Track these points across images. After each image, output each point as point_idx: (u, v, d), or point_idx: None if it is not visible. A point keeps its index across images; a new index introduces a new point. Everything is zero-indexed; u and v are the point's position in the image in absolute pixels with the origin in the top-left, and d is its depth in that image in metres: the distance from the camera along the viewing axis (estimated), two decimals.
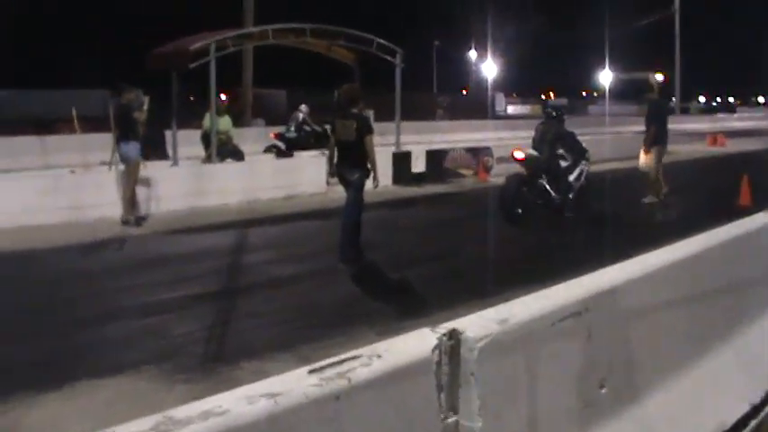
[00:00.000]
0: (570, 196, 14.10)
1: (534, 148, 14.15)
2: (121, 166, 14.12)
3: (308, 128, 24.18)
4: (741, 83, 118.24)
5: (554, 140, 14.15)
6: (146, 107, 14.14)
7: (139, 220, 13.88)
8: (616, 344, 4.14)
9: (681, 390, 4.56)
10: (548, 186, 13.84)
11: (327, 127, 23.23)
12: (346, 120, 10.68)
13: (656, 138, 16.08)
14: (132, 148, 13.71)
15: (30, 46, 51.40)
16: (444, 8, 79.36)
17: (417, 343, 3.11)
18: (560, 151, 14.17)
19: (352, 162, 10.62)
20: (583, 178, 14.42)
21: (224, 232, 13.28)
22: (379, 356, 2.93)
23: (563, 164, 14.15)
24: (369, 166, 10.64)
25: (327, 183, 17.29)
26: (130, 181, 13.81)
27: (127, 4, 55.45)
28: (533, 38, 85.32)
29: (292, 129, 24.22)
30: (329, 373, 2.75)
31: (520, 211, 13.47)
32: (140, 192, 14.19)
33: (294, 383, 2.66)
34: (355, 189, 10.67)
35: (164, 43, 17.66)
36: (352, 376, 2.75)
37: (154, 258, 11.37)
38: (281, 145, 22.94)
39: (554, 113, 15.00)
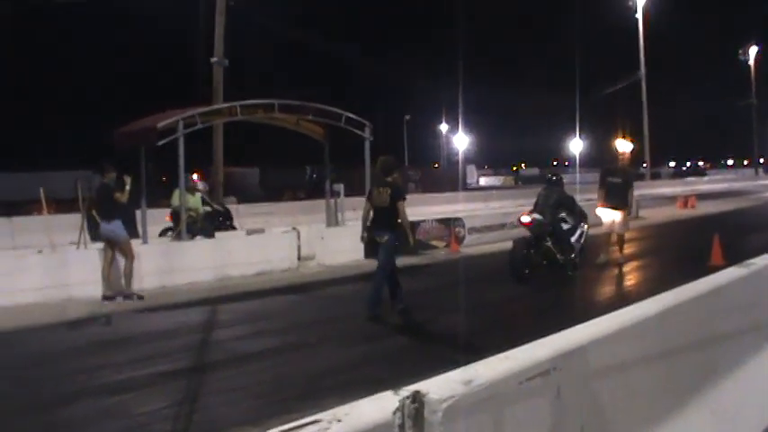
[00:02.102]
0: (572, 256, 14.95)
1: (537, 211, 14.96)
2: (95, 245, 14.18)
3: (207, 207, 20.98)
4: (710, 146, 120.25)
5: (556, 204, 15.02)
6: (128, 187, 14.19)
7: (140, 293, 14.02)
8: (587, 402, 4.05)
9: None
10: (552, 248, 14.66)
11: (230, 206, 22.77)
12: (381, 187, 11.78)
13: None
14: (116, 227, 13.85)
15: None
16: (415, 82, 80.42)
17: (379, 406, 3.00)
18: (562, 214, 15.02)
19: (384, 225, 11.66)
20: (583, 239, 15.34)
21: (195, 309, 13.11)
22: (339, 420, 2.83)
23: (565, 226, 14.97)
24: (402, 228, 11.70)
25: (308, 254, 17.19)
26: (129, 257, 13.95)
27: (94, 83, 55.75)
28: (504, 110, 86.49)
29: None
30: None
31: (527, 271, 14.33)
32: (111, 271, 14.01)
33: None
34: (385, 251, 11.67)
35: (132, 122, 17.66)
36: None
37: (123, 337, 11.18)
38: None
39: (554, 178, 15.89)
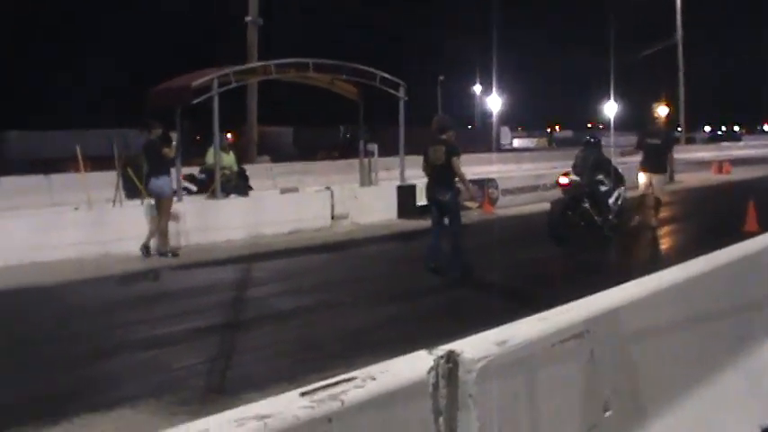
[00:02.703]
0: (610, 218, 15.03)
1: (575, 173, 14.97)
2: (131, 203, 14.39)
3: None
4: (746, 111, 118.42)
5: (594, 167, 15.04)
6: (174, 143, 14.43)
7: (175, 251, 14.15)
8: (620, 366, 4.05)
9: (689, 412, 4.45)
10: (590, 210, 14.73)
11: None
12: (436, 146, 11.93)
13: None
14: (164, 183, 13.98)
15: (30, 86, 51.86)
16: (449, 43, 79.79)
17: (413, 365, 3.01)
18: (600, 176, 15.05)
19: (443, 183, 11.89)
20: (620, 201, 15.39)
21: (229, 267, 13.22)
22: (374, 378, 2.85)
23: (602, 188, 15.03)
24: (458, 185, 12.04)
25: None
26: (164, 215, 14.01)
27: (128, 42, 55.84)
28: (538, 71, 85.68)
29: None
30: (321, 395, 2.67)
31: (565, 232, 14.39)
32: (147, 228, 14.14)
33: (285, 406, 2.57)
34: (452, 210, 12.02)
35: (166, 81, 17.72)
36: (345, 398, 2.67)
37: (159, 293, 11.39)
38: (192, 187, 19.59)
39: (592, 140, 15.90)
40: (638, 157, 16.88)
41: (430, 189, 12.17)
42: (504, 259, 13.00)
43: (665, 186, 17.22)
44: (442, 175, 11.88)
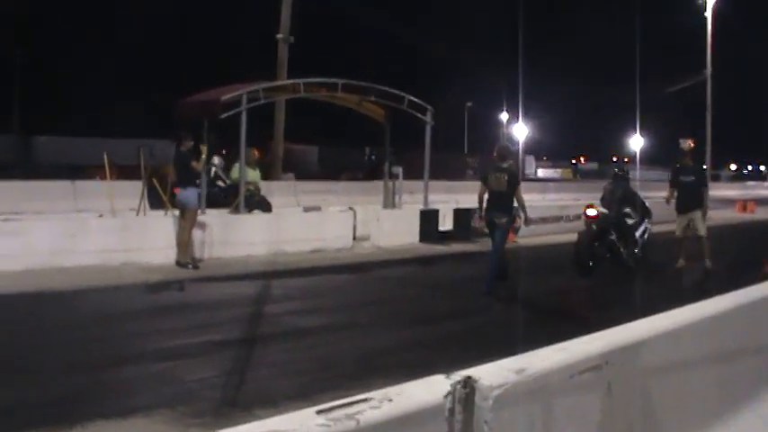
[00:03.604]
0: (636, 251, 15.12)
1: (604, 205, 15.08)
2: (154, 213, 15.00)
3: (221, 183, 20.71)
4: None
5: (622, 199, 15.18)
6: (203, 156, 14.71)
7: (196, 263, 14.29)
8: (637, 400, 4.03)
9: None
10: (617, 242, 14.82)
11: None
12: (499, 173, 12.61)
13: None
14: (191, 195, 14.18)
15: (60, 92, 52.35)
16: (478, 70, 79.87)
17: (430, 389, 3.01)
18: (627, 209, 15.19)
19: (501, 208, 12.54)
20: (646, 235, 15.50)
21: (249, 282, 13.23)
22: (390, 400, 2.85)
23: (629, 221, 15.14)
24: (515, 211, 12.74)
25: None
26: (188, 226, 14.15)
27: (160, 54, 56.23)
28: (566, 101, 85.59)
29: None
30: (337, 413, 2.67)
31: (591, 263, 14.43)
32: (168, 241, 14.20)
33: (301, 423, 2.58)
34: (502, 233, 12.66)
35: (194, 94, 17.84)
36: (360, 418, 2.67)
37: (178, 304, 11.41)
38: None
39: (620, 173, 16.01)
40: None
41: (488, 212, 12.67)
42: (525, 288, 12.95)
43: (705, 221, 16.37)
44: (502, 201, 12.52)
